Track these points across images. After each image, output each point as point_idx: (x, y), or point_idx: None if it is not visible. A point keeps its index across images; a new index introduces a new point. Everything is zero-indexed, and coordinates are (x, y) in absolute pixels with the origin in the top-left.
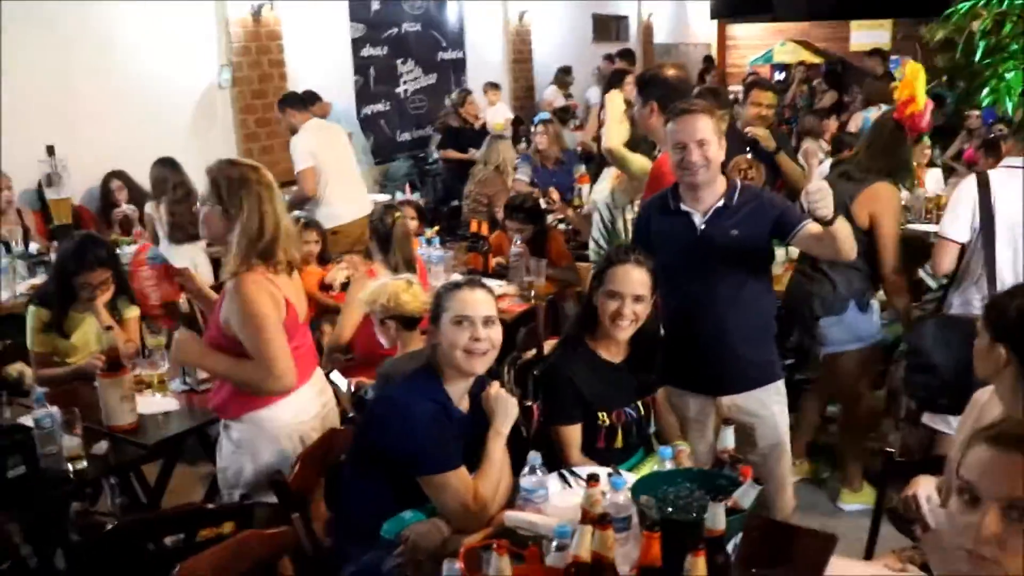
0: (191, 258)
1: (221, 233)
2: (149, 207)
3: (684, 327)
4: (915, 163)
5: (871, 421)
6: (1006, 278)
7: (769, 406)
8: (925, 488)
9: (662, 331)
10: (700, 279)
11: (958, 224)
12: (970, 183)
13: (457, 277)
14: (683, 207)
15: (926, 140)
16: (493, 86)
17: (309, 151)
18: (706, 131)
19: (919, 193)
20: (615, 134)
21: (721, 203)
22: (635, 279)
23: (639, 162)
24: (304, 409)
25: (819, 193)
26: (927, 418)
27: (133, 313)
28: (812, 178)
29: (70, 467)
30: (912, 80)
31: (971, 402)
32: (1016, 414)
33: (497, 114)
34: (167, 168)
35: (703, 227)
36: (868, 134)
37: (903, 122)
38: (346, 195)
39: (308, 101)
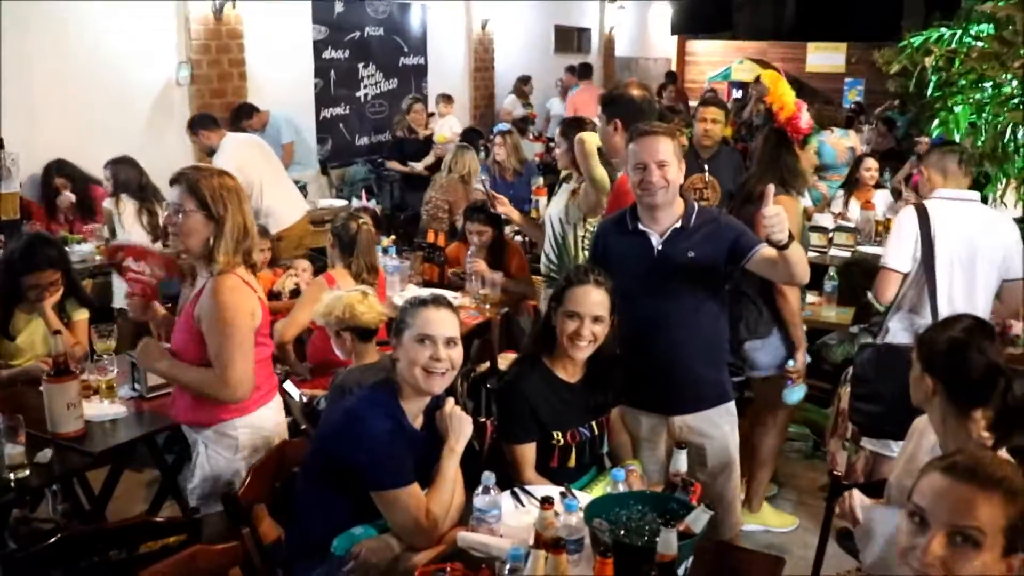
0: None
1: (203, 240)
2: (109, 203)
3: (639, 346)
4: (809, 168)
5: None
6: (942, 308)
7: (720, 426)
8: (858, 496)
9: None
10: (656, 299)
11: (901, 255)
12: (910, 214)
13: (417, 291)
14: (641, 227)
15: (813, 142)
16: (445, 98)
17: (232, 167)
18: (667, 153)
19: (869, 215)
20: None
21: (679, 224)
22: (594, 300)
23: (600, 172)
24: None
25: (775, 218)
26: (867, 442)
27: (82, 316)
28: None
29: (11, 476)
30: (775, 89)
31: (911, 428)
32: (946, 441)
33: (444, 127)
34: (133, 169)
35: (660, 248)
36: (757, 151)
37: (785, 129)
38: (284, 199)
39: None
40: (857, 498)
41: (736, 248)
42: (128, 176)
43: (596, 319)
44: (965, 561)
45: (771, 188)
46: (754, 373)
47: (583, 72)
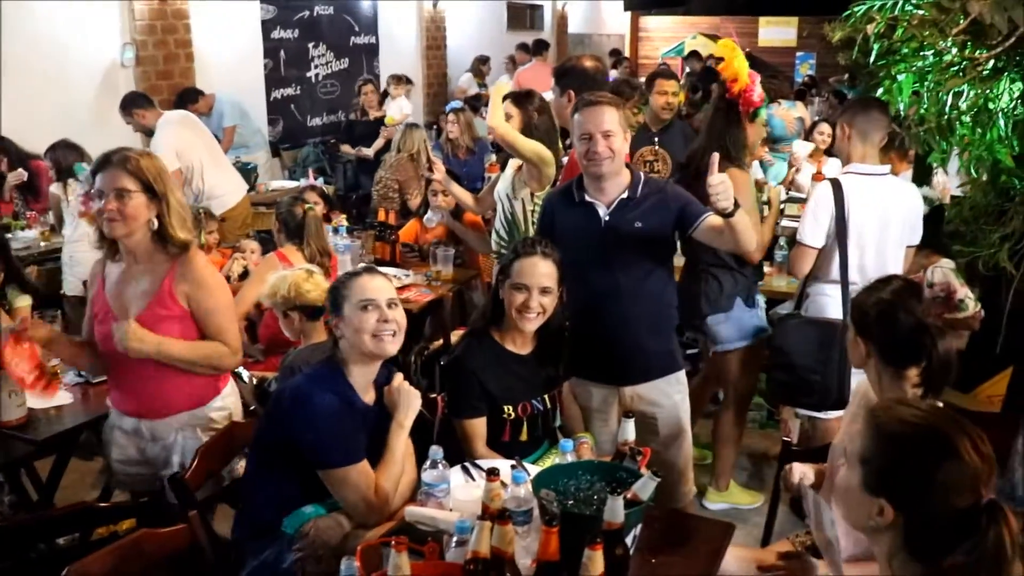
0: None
1: (145, 222)
2: (56, 188)
3: (588, 318)
4: (757, 140)
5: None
6: (853, 278)
7: (671, 396)
8: (799, 467)
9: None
10: (604, 270)
11: (817, 230)
12: (826, 190)
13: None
14: (587, 198)
15: (762, 115)
16: (396, 79)
17: (172, 151)
18: (612, 123)
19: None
20: (496, 113)
21: (625, 195)
22: (541, 271)
23: (530, 145)
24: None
25: (720, 185)
26: (785, 413)
27: (24, 302)
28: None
29: None
30: (731, 60)
31: (854, 390)
32: (883, 400)
33: (394, 108)
34: (75, 152)
35: (607, 219)
36: (704, 123)
37: (736, 101)
38: (225, 180)
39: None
40: (797, 470)
41: (683, 217)
42: (71, 161)
43: (544, 290)
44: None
45: (715, 156)
46: (718, 347)
47: (537, 48)
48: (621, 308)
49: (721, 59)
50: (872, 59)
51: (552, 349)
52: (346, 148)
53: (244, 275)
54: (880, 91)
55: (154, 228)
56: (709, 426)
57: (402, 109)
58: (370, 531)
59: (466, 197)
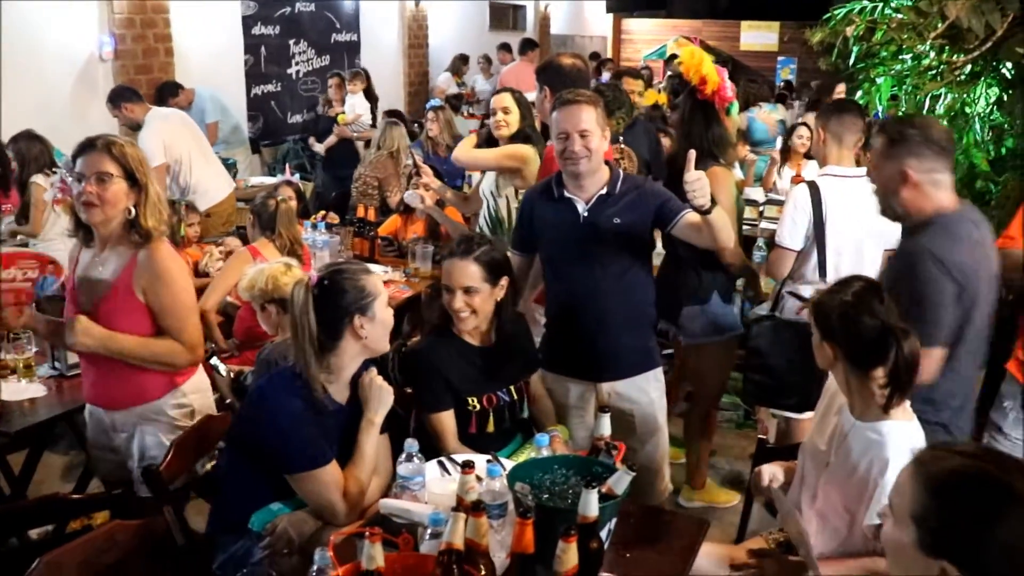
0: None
1: (123, 209)
2: (42, 179)
3: (566, 314)
4: (733, 134)
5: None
6: (831, 279)
7: (648, 392)
8: (768, 469)
9: (542, 317)
10: (582, 266)
11: (795, 233)
12: (803, 192)
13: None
14: (566, 194)
15: (734, 110)
16: (355, 74)
17: (160, 145)
18: (588, 122)
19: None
20: (462, 145)
21: (604, 191)
22: (462, 272)
23: (494, 154)
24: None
25: (697, 182)
26: (761, 412)
27: None
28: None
29: None
30: (696, 64)
31: (824, 388)
32: (853, 401)
33: (348, 106)
34: (40, 143)
35: (586, 215)
36: (678, 125)
37: (710, 100)
38: (211, 176)
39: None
40: (766, 472)
41: (661, 213)
42: (36, 151)
43: (467, 290)
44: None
45: (692, 154)
46: (690, 340)
47: (523, 47)
48: (599, 304)
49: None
50: (851, 62)
51: (512, 340)
52: (312, 142)
53: None
54: (859, 94)
55: (130, 217)
56: (681, 424)
57: (355, 108)
58: (340, 529)
59: (455, 199)
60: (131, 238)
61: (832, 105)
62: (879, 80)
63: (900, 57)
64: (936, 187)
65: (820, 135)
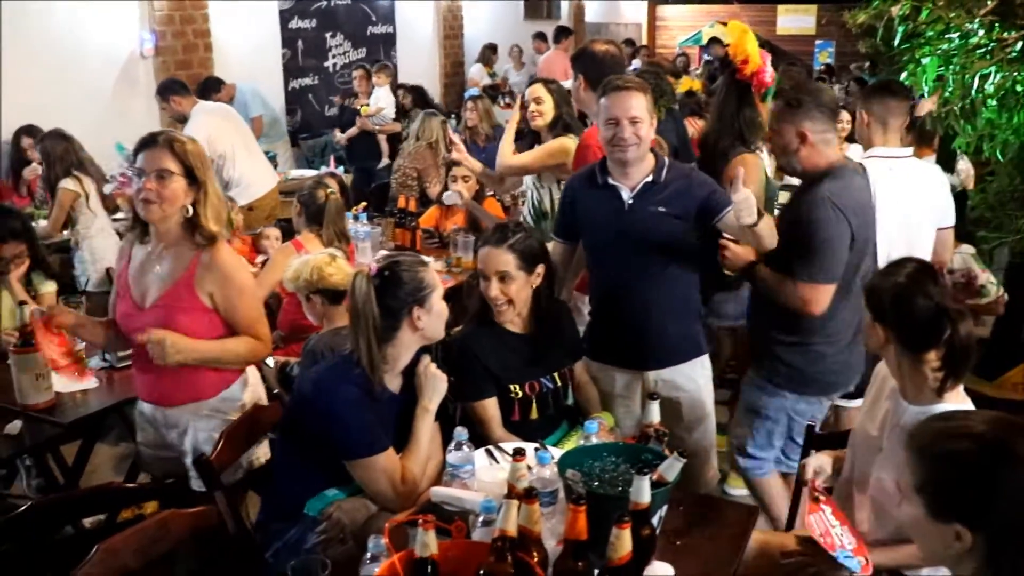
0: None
1: (180, 207)
2: (71, 184)
3: (610, 302)
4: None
5: None
6: (881, 261)
7: (695, 379)
8: (814, 462)
9: (586, 306)
10: (626, 254)
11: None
12: None
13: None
14: (611, 181)
15: (770, 97)
16: (382, 67)
17: (204, 139)
18: (639, 109)
19: None
20: (504, 150)
21: (650, 178)
22: (496, 259)
23: (539, 154)
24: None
25: (744, 202)
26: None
27: (49, 288)
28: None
29: None
30: (741, 42)
31: (874, 374)
32: (904, 385)
33: (373, 98)
34: (66, 142)
35: (631, 202)
36: (715, 105)
37: (748, 83)
38: (255, 170)
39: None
40: (812, 464)
41: (706, 207)
42: (61, 150)
43: (502, 277)
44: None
45: (741, 172)
46: (723, 323)
47: (557, 36)
48: (643, 293)
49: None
50: (896, 43)
51: (553, 327)
52: (336, 133)
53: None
54: (904, 75)
55: (187, 215)
56: (724, 412)
57: (378, 101)
58: (395, 515)
59: (488, 176)
60: (194, 240)
61: (875, 87)
62: (924, 61)
63: (947, 36)
64: (827, 145)
65: (864, 118)
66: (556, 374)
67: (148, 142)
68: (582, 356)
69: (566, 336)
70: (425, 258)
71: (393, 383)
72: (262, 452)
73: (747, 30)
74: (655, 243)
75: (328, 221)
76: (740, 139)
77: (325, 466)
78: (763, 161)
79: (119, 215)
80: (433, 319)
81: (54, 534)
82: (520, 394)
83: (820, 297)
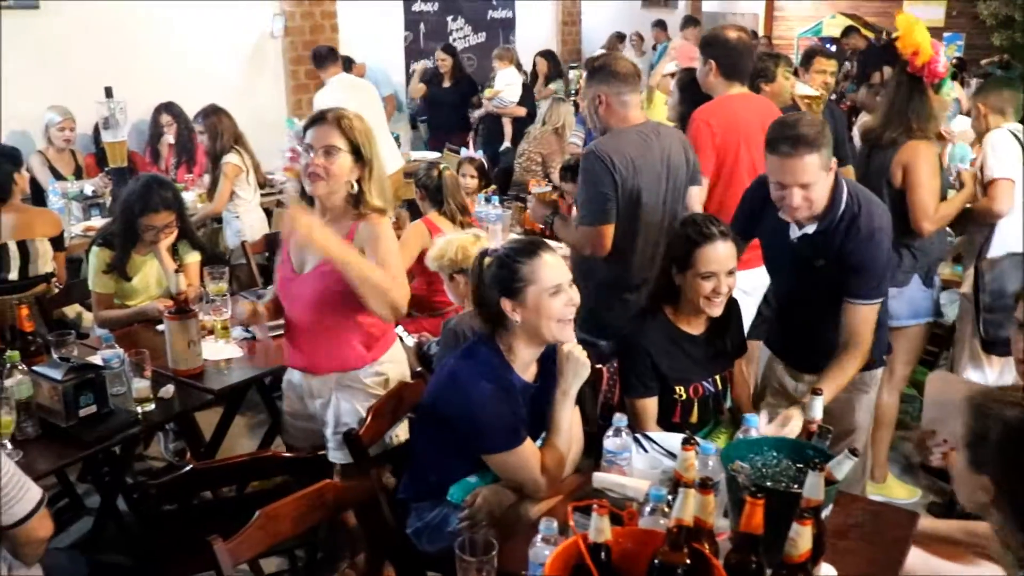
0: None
1: (345, 183)
2: (235, 159)
3: (782, 308)
4: (943, 111)
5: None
6: None
7: (870, 387)
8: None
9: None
10: (793, 279)
11: (1009, 164)
12: (1005, 134)
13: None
14: (782, 216)
15: (947, 84)
16: (505, 51)
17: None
18: (811, 173)
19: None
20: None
21: (814, 228)
22: (725, 255)
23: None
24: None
25: (784, 429)
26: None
27: (194, 258)
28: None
29: (139, 409)
30: (910, 33)
31: None
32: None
33: (499, 81)
34: (229, 119)
35: (795, 241)
36: (887, 97)
37: (919, 74)
38: (384, 148)
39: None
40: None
41: (845, 285)
42: (227, 124)
43: (730, 272)
44: None
45: (765, 418)
46: (890, 322)
47: (685, 24)
48: (812, 310)
49: (890, 37)
50: None
51: (724, 329)
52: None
53: None
54: None
55: (352, 191)
56: None
57: (504, 80)
58: (537, 504)
59: None
60: (357, 211)
61: (988, 82)
62: None
63: None
64: (624, 107)
65: (980, 111)
66: (718, 377)
67: (317, 119)
68: (744, 353)
69: (733, 337)
70: (556, 244)
71: (525, 371)
72: (401, 430)
73: (917, 21)
74: (819, 280)
75: (447, 195)
76: (907, 131)
77: (464, 454)
78: (935, 149)
79: (266, 189)
80: (530, 314)
81: (192, 500)
82: (684, 396)
83: (598, 240)
